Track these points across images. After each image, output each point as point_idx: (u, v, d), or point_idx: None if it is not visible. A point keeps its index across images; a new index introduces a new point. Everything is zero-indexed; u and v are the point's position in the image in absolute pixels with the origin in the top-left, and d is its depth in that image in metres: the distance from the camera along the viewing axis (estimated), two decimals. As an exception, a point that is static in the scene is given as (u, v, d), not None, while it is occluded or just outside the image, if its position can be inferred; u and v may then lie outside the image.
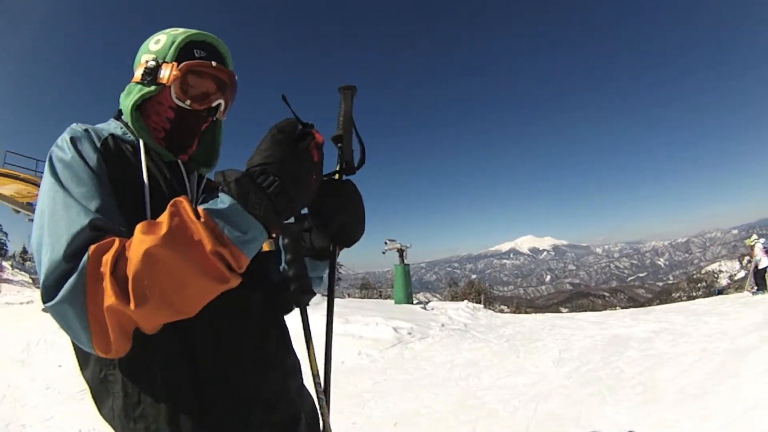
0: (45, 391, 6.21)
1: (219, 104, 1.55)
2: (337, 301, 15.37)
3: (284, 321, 1.62)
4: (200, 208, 1.03)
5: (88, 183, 1.18)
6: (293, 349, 1.64)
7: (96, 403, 1.30)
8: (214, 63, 1.50)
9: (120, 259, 0.97)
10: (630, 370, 7.35)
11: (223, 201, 1.07)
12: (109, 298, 0.94)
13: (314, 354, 1.47)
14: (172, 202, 1.05)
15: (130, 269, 0.95)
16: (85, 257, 0.98)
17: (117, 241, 1.01)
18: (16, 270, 34.24)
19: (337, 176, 1.43)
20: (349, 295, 31.70)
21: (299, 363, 1.64)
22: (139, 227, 1.00)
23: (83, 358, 1.31)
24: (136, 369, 1.22)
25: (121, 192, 1.25)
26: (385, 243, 22.18)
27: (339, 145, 1.41)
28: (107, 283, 0.95)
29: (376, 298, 30.28)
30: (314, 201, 1.31)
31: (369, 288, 35.66)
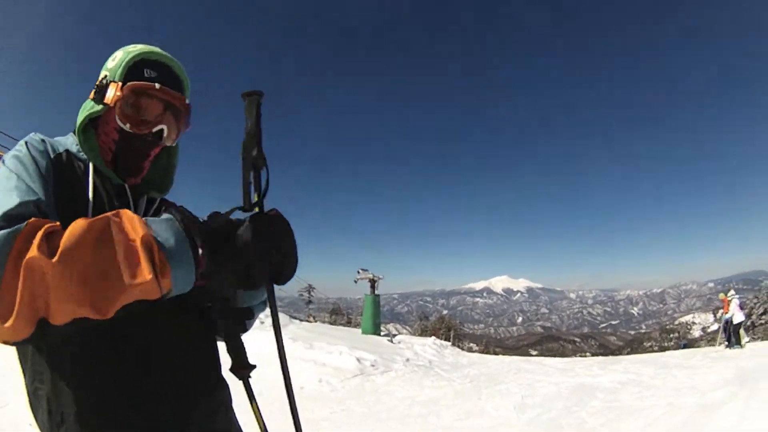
0: (1, 378, 5.99)
1: (162, 130, 1.48)
2: (303, 325, 15.24)
3: (216, 348, 1.58)
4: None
5: (35, 180, 1.21)
6: (225, 387, 1.57)
7: (31, 410, 1.30)
8: (158, 85, 1.43)
9: (57, 234, 0.96)
10: (593, 420, 7.22)
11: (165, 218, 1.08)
12: (33, 251, 0.92)
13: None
14: (115, 211, 1.04)
15: (64, 240, 0.93)
16: (24, 223, 0.97)
17: (58, 224, 1.00)
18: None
19: (257, 209, 1.26)
20: (315, 318, 31.75)
21: (228, 400, 1.58)
22: (78, 221, 0.99)
23: (22, 364, 1.30)
24: (60, 388, 1.20)
25: (64, 208, 1.24)
26: (358, 272, 22.14)
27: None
28: (37, 241, 0.93)
29: (345, 324, 30.12)
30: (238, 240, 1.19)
31: (339, 314, 35.55)
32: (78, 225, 0.96)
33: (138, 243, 0.97)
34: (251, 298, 1.51)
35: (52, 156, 1.31)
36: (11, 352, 1.23)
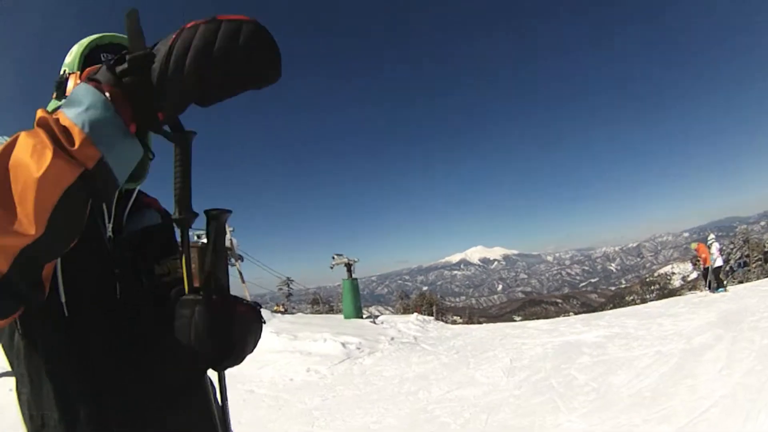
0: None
1: None
2: (285, 317, 15.17)
3: None
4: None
5: None
6: (206, 387, 1.54)
7: (21, 413, 1.28)
8: None
9: None
10: (583, 376, 7.24)
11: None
12: None
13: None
14: None
15: None
16: None
17: None
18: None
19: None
20: (296, 309, 31.64)
21: (210, 404, 1.53)
22: None
23: (12, 368, 1.30)
24: (38, 393, 1.21)
25: None
26: (333, 258, 22.04)
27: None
28: None
29: (328, 312, 30.06)
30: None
31: (320, 303, 35.48)
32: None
33: (36, 129, 0.83)
34: None
35: None
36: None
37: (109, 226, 1.38)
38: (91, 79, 0.87)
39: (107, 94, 0.85)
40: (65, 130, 0.81)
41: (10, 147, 0.81)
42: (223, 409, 1.40)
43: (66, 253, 1.07)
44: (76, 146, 0.81)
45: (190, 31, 0.87)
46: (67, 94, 1.34)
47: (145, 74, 0.87)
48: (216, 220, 1.17)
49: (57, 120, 0.82)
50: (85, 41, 1.45)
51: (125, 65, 0.88)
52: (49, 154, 0.78)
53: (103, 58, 1.40)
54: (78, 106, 0.83)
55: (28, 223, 0.79)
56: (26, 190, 0.78)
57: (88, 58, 1.41)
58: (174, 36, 0.87)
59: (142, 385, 1.31)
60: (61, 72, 1.43)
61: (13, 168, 0.79)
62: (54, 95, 1.42)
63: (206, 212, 1.16)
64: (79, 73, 1.39)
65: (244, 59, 0.89)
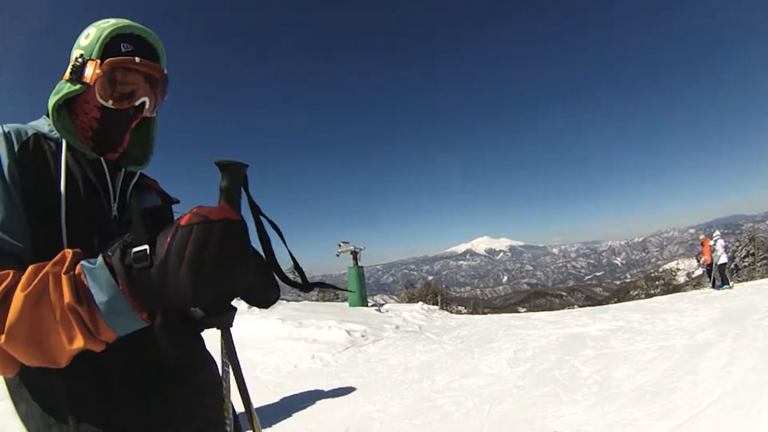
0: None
1: (144, 102, 1.49)
2: (290, 304, 15.18)
3: (200, 337, 1.62)
4: (80, 263, 0.98)
5: None
6: (210, 366, 1.60)
7: (13, 404, 1.30)
8: (138, 59, 1.43)
9: (8, 295, 0.97)
10: (586, 369, 7.27)
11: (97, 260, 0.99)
12: None
13: (229, 375, 1.33)
14: (61, 252, 1.02)
15: (9, 316, 0.94)
16: None
17: (11, 275, 1.01)
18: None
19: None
20: (301, 297, 31.56)
21: (218, 378, 1.55)
22: (29, 270, 0.99)
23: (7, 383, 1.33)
24: (42, 379, 1.23)
25: (35, 192, 1.25)
26: (339, 245, 22.02)
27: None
28: None
29: (333, 300, 30.06)
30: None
31: (326, 291, 35.47)
32: (18, 297, 0.94)
33: (66, 310, 0.94)
34: None
35: (16, 148, 1.28)
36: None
37: (114, 206, 1.44)
38: (106, 262, 0.97)
39: (121, 288, 0.95)
40: (96, 324, 0.96)
41: (46, 303, 0.94)
42: (237, 375, 1.33)
43: (73, 232, 1.27)
44: (102, 335, 0.98)
45: (183, 234, 0.94)
46: (84, 79, 1.39)
47: (147, 276, 0.95)
48: (227, 172, 1.07)
49: (86, 313, 0.94)
50: (104, 27, 1.44)
51: (131, 259, 0.95)
52: (81, 343, 0.95)
53: (123, 48, 1.43)
54: (102, 294, 0.94)
55: (58, 362, 0.99)
56: (60, 350, 0.96)
57: (107, 45, 1.42)
58: (169, 237, 0.95)
59: (148, 365, 1.35)
60: (75, 54, 1.43)
61: (45, 334, 0.95)
62: (66, 77, 1.41)
63: (217, 163, 1.07)
64: (99, 61, 1.39)
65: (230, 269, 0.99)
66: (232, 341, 1.29)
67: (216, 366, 1.60)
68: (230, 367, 1.31)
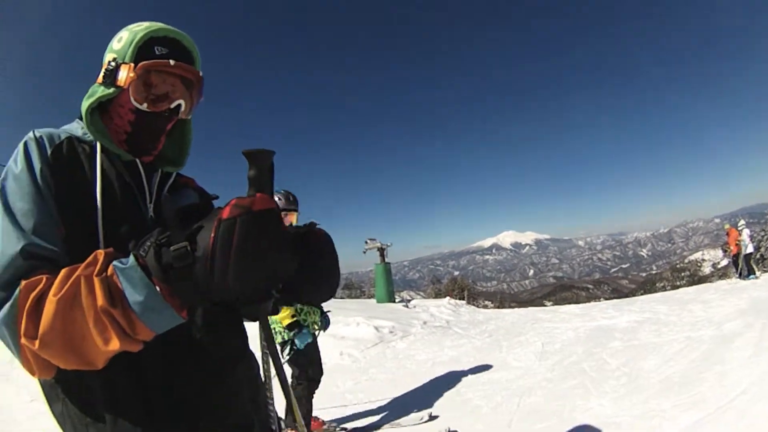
0: (29, 404, 6.06)
1: (179, 105, 1.51)
2: (317, 302, 15.23)
3: (242, 330, 1.63)
4: (112, 264, 1.03)
5: (30, 198, 1.21)
6: (250, 360, 1.63)
7: (48, 403, 1.33)
8: (172, 62, 1.44)
9: (41, 300, 1.02)
10: (614, 361, 7.28)
11: (129, 260, 1.04)
12: (22, 337, 1.02)
13: (270, 367, 1.44)
14: (93, 254, 1.07)
15: (42, 322, 1.00)
16: (17, 291, 1.05)
17: (44, 280, 1.06)
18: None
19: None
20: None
21: (256, 372, 1.63)
22: (61, 274, 1.05)
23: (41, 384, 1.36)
24: (78, 379, 1.24)
25: (71, 195, 1.27)
26: (366, 243, 21.90)
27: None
28: (23, 322, 1.02)
29: (360, 297, 30.04)
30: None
31: (352, 288, 35.48)
32: (50, 302, 1.00)
33: (99, 306, 0.99)
34: None
35: (49, 153, 1.30)
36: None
37: (151, 207, 1.45)
38: (139, 262, 1.02)
39: (158, 288, 1.01)
40: (132, 323, 1.02)
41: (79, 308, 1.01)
42: (276, 364, 1.34)
43: (110, 234, 1.29)
44: (139, 335, 1.04)
45: (227, 227, 0.98)
46: (118, 83, 1.40)
47: (189, 272, 0.99)
48: (255, 160, 1.10)
49: (121, 314, 1.01)
50: (137, 30, 1.45)
51: (171, 258, 0.99)
52: (117, 345, 1.01)
53: (157, 52, 1.44)
54: (136, 294, 1.00)
55: (95, 364, 1.06)
56: (95, 352, 1.03)
57: (141, 49, 1.43)
58: (213, 231, 0.98)
59: (185, 361, 1.37)
60: (110, 58, 1.44)
61: (78, 337, 1.02)
62: (100, 80, 1.43)
63: (244, 152, 1.10)
64: (132, 65, 1.40)
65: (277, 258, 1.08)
66: (270, 330, 1.35)
67: (255, 359, 1.63)
68: (269, 356, 1.39)
